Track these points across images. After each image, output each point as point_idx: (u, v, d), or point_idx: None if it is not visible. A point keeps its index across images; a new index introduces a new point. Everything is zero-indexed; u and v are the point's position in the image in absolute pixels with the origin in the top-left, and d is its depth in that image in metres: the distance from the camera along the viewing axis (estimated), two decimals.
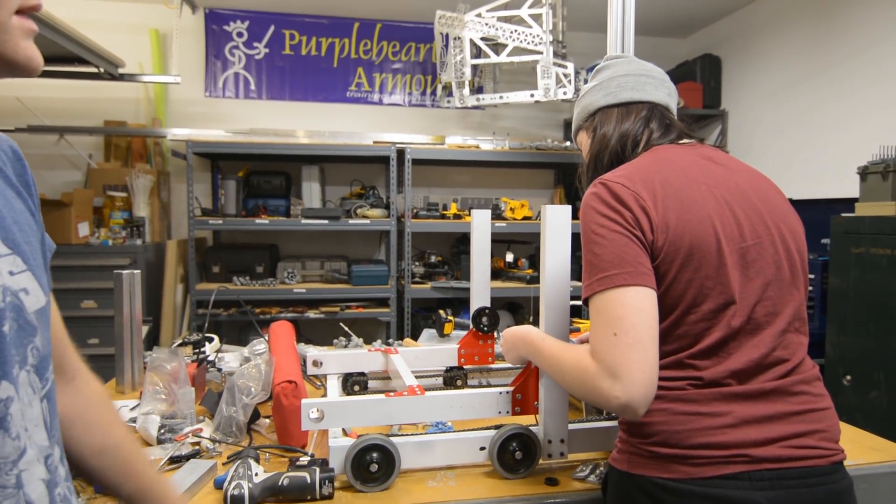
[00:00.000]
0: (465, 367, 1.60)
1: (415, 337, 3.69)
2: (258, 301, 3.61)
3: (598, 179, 0.96)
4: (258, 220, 3.56)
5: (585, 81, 3.45)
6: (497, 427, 1.13)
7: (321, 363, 1.58)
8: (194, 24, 3.96)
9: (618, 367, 0.81)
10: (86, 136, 3.82)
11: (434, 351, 1.60)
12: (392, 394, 1.14)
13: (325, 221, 3.58)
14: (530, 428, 1.13)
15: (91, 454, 0.76)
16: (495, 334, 1.62)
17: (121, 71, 3.46)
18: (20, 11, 0.56)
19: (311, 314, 3.58)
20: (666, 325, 0.89)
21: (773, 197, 0.99)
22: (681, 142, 1.04)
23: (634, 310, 0.84)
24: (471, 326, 1.62)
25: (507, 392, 1.16)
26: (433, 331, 2.18)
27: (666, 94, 1.11)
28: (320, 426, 1.09)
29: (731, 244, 0.90)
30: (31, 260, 0.62)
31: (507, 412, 1.16)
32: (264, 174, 3.81)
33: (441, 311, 2.11)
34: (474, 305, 1.65)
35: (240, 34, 4.03)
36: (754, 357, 0.88)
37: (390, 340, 2.12)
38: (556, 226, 1.09)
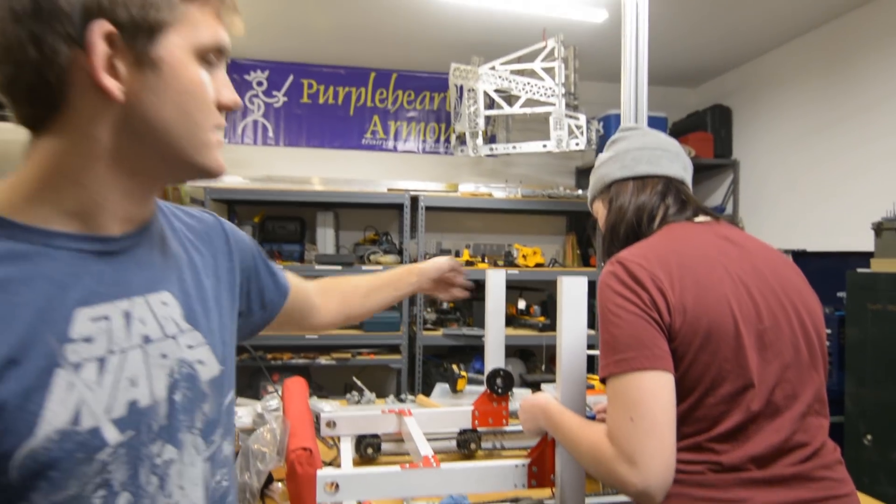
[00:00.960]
0: (478, 429, 1.59)
1: (427, 387, 3.67)
2: (270, 346, 3.62)
3: (614, 257, 0.97)
4: None
5: (598, 132, 3.51)
6: (514, 500, 1.12)
7: (335, 424, 1.57)
8: None
9: (635, 454, 0.81)
10: None
11: (448, 413, 1.60)
12: (408, 465, 1.13)
13: (339, 267, 3.61)
14: (546, 502, 1.11)
15: (363, 309, 1.18)
16: (510, 395, 1.61)
17: None
18: (217, 129, 0.66)
19: (323, 360, 3.58)
20: (684, 408, 0.89)
21: (790, 276, 0.99)
22: (696, 219, 1.06)
23: (651, 394, 0.84)
24: (485, 388, 1.62)
25: (524, 465, 1.15)
26: (446, 385, 2.17)
27: (681, 167, 1.13)
28: (335, 499, 1.08)
29: (748, 326, 0.90)
30: (209, 334, 0.72)
31: (524, 485, 1.15)
32: (280, 219, 3.87)
33: (454, 366, 2.11)
34: (489, 365, 1.65)
35: (260, 83, 4.15)
36: (774, 442, 0.88)
37: (403, 396, 2.11)
38: (573, 298, 1.10)
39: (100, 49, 0.55)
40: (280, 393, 1.99)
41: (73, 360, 0.56)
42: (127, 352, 0.61)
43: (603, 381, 0.91)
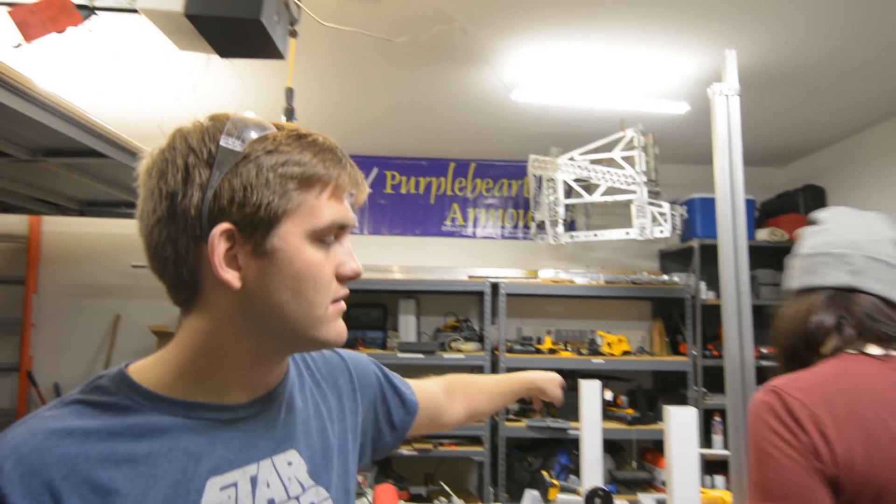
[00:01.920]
0: None
1: (510, 482, 3.54)
2: None
3: (770, 384, 0.87)
4: None
5: (682, 217, 3.44)
6: None
7: None
8: None
9: None
10: None
11: None
12: None
13: (421, 356, 3.63)
14: None
15: (486, 411, 1.18)
16: None
17: None
18: (336, 301, 0.68)
19: (405, 451, 3.54)
20: None
21: None
22: (874, 351, 0.90)
23: None
24: None
25: None
26: (536, 493, 2.09)
27: (890, 283, 0.92)
28: None
29: None
30: (333, 487, 0.74)
31: None
32: (363, 306, 3.97)
33: (544, 473, 2.04)
34: (586, 480, 1.58)
35: None
36: None
37: None
38: (683, 433, 1.05)
39: (220, 247, 0.61)
40: (369, 498, 1.98)
41: None
42: None
43: None
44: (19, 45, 1.47)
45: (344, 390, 0.84)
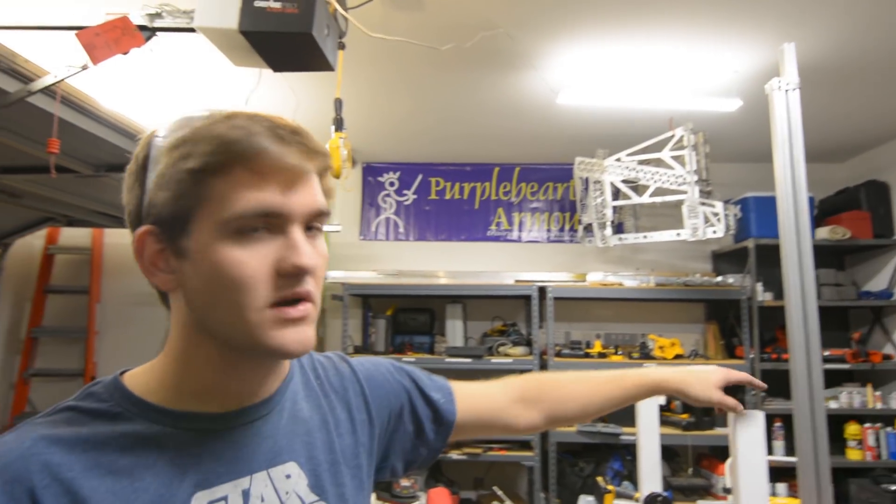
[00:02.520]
0: None
1: (561, 488, 3.49)
2: None
3: None
4: (405, 358, 3.69)
5: (735, 216, 3.34)
6: None
7: None
8: (353, 176, 4.43)
9: None
10: None
11: None
12: None
13: (468, 360, 3.63)
14: None
15: (575, 418, 1.03)
16: None
17: None
18: (280, 303, 0.59)
19: (455, 455, 3.54)
20: None
21: None
22: None
23: None
24: None
25: None
26: (591, 499, 2.06)
27: None
28: None
29: None
30: (339, 502, 0.69)
31: None
32: (410, 311, 4.00)
33: (599, 479, 2.00)
34: (644, 486, 1.55)
35: (392, 184, 4.43)
36: None
37: None
38: (750, 436, 1.01)
39: (147, 249, 0.60)
40: (422, 502, 1.99)
41: None
42: None
43: None
44: (86, 67, 1.55)
45: (353, 403, 0.78)
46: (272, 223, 0.58)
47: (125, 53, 1.49)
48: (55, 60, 1.62)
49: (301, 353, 0.61)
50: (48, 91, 1.61)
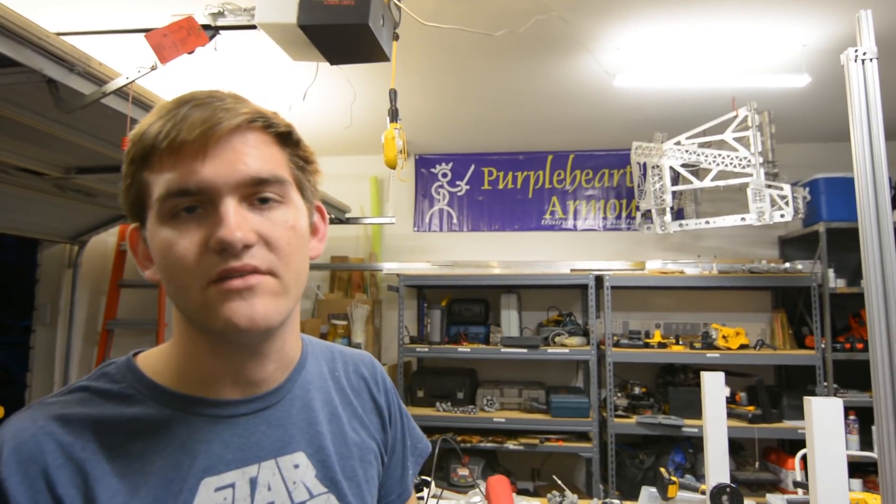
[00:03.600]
0: None
1: (620, 479, 3.44)
2: (460, 429, 3.68)
3: None
4: (460, 349, 3.71)
5: (805, 199, 3.18)
6: None
7: None
8: (406, 168, 4.47)
9: None
10: (315, 270, 4.39)
11: None
12: None
13: (524, 350, 3.61)
14: None
15: None
16: None
17: (347, 215, 3.98)
18: (221, 278, 0.57)
19: (511, 445, 3.54)
20: None
21: None
22: None
23: None
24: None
25: None
26: (653, 490, 2.01)
27: None
28: None
29: None
30: (349, 495, 0.68)
31: None
32: (465, 302, 4.00)
33: (662, 470, 1.96)
34: (711, 477, 1.51)
35: (444, 175, 4.44)
36: None
37: (608, 502, 1.99)
38: (827, 426, 0.97)
39: (138, 247, 0.63)
40: (481, 489, 2.00)
41: None
42: None
43: None
44: (155, 67, 1.61)
45: (369, 406, 0.78)
46: (202, 200, 0.57)
47: (191, 52, 1.54)
48: (126, 63, 1.69)
49: (250, 328, 0.57)
50: (121, 92, 1.68)
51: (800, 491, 2.09)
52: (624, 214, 4.26)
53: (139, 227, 0.62)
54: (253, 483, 0.61)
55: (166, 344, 0.66)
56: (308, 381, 0.70)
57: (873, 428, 1.37)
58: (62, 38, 1.57)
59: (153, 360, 0.64)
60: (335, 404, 0.72)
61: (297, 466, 0.65)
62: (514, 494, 2.01)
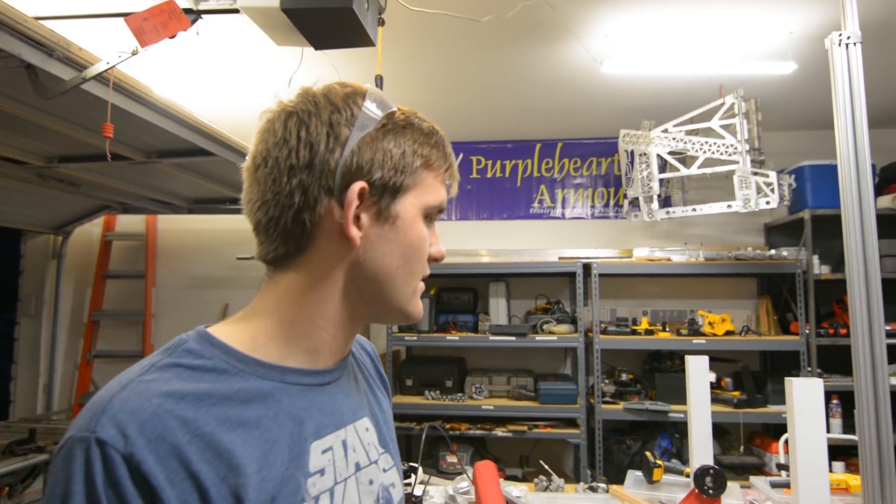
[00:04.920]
0: None
1: (608, 465, 3.47)
2: (448, 416, 3.69)
3: None
4: (449, 337, 3.72)
5: (790, 187, 3.21)
6: None
7: None
8: None
9: None
10: None
11: None
12: None
13: (513, 338, 3.63)
14: None
15: None
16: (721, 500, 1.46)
17: None
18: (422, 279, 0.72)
19: (499, 432, 3.56)
20: None
21: None
22: None
23: None
24: (692, 487, 1.49)
25: None
26: (639, 474, 2.04)
27: None
28: None
29: None
30: (395, 455, 0.77)
31: None
32: (454, 290, 4.01)
33: (648, 454, 1.98)
34: (695, 459, 1.52)
35: None
36: None
37: (594, 485, 2.01)
38: (807, 406, 0.98)
39: (353, 204, 0.63)
40: (469, 474, 2.01)
41: (313, 493, 0.60)
42: (346, 481, 0.65)
43: None
44: (136, 52, 1.59)
45: (378, 384, 0.84)
46: (433, 216, 0.70)
47: (172, 37, 1.52)
48: (106, 48, 1.67)
49: (419, 320, 0.75)
50: (101, 78, 1.65)
51: (783, 473, 2.12)
52: (612, 202, 4.28)
53: (368, 191, 0.64)
54: (344, 445, 0.66)
55: (252, 320, 0.66)
56: (351, 350, 0.77)
57: (855, 411, 1.39)
58: (41, 22, 1.54)
59: (240, 334, 0.64)
60: (365, 375, 0.80)
61: (367, 430, 0.72)
62: (503, 480, 2.02)
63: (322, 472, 0.62)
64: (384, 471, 0.72)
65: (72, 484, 0.50)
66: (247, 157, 0.67)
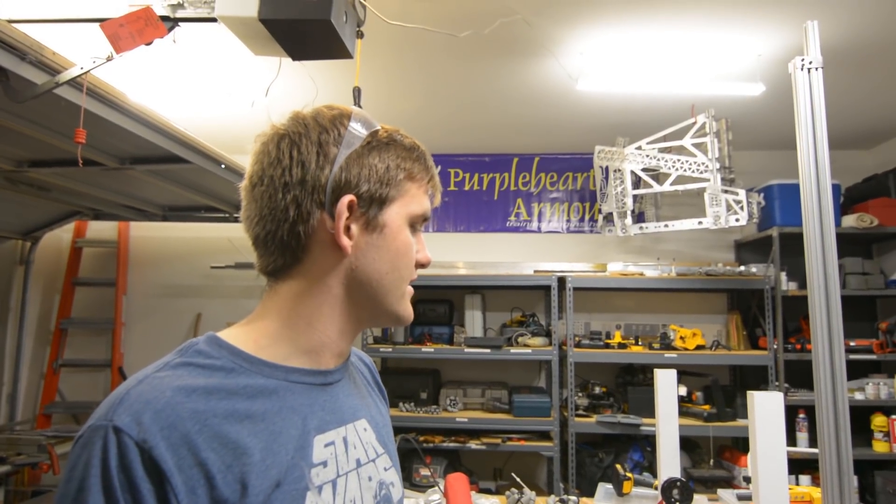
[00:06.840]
0: None
1: (580, 478, 3.49)
2: (422, 429, 3.68)
3: None
4: (424, 349, 3.71)
5: (759, 205, 3.29)
6: None
7: None
8: None
9: None
10: None
11: None
12: None
13: (488, 351, 3.64)
14: None
15: None
16: None
17: None
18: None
19: (473, 444, 3.56)
20: None
21: None
22: None
23: None
24: (659, 499, 1.51)
25: None
26: (610, 487, 2.05)
27: None
28: None
29: None
30: (394, 457, 0.80)
31: None
32: (429, 302, 4.01)
33: (618, 466, 2.00)
34: (663, 472, 1.54)
35: None
36: None
37: (565, 498, 2.02)
38: (768, 418, 1.01)
39: (343, 215, 0.69)
40: (440, 487, 2.01)
41: (317, 482, 0.65)
42: (348, 474, 0.70)
43: None
44: (110, 58, 1.58)
45: (375, 391, 0.89)
46: (421, 225, 0.76)
47: (148, 44, 1.51)
48: (81, 53, 1.65)
49: (410, 322, 0.78)
50: (75, 83, 1.64)
51: (750, 486, 2.15)
52: (587, 217, 4.33)
53: (356, 203, 0.70)
54: (345, 441, 0.71)
55: (257, 324, 0.71)
56: (350, 359, 0.81)
57: (816, 424, 1.42)
58: (13, 25, 1.52)
59: (245, 337, 0.69)
60: (363, 381, 0.85)
61: (365, 430, 0.76)
62: (476, 493, 2.02)
63: (325, 463, 0.67)
64: (384, 469, 0.76)
65: (90, 468, 0.55)
66: (244, 178, 0.72)
